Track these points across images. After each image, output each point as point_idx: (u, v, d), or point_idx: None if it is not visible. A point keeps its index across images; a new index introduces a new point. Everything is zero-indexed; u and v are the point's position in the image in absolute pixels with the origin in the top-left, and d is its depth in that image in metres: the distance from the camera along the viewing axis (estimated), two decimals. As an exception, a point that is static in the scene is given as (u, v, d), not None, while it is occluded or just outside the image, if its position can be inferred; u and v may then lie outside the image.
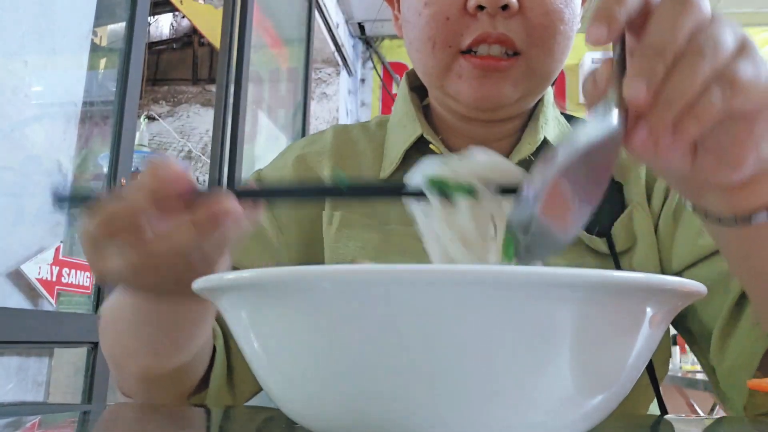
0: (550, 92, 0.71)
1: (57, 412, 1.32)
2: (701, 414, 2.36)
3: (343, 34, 3.76)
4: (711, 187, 0.42)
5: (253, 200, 0.41)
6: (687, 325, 0.62)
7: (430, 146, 0.67)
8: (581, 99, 2.90)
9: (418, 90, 0.74)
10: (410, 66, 0.71)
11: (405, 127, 0.69)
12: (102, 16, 1.58)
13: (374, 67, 4.09)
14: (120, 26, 1.70)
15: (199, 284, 0.31)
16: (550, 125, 0.69)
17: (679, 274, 0.61)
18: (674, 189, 0.46)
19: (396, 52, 4.04)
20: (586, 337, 0.26)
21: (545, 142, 0.67)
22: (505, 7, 0.58)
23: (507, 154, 0.67)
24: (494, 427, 0.27)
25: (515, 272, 0.25)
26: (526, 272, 0.25)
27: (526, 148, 0.66)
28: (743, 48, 0.35)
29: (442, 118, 0.69)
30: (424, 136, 0.67)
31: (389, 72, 4.02)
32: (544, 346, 0.26)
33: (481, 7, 0.58)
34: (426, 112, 0.72)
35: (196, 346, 0.52)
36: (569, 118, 0.74)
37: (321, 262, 0.68)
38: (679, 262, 0.62)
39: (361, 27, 4.01)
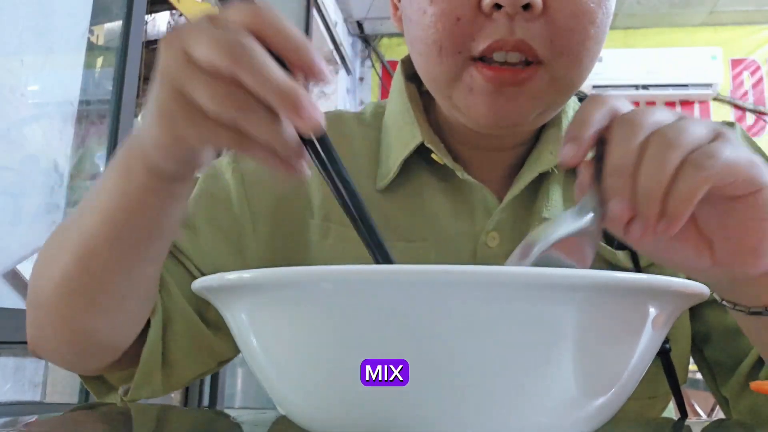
0: None
1: (53, 412, 1.32)
2: (701, 414, 2.37)
3: (341, 32, 3.76)
4: (739, 279, 0.41)
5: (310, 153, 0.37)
6: (705, 353, 0.61)
7: (432, 155, 0.59)
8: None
9: (414, 78, 0.64)
10: (411, 65, 0.64)
11: (401, 130, 0.61)
12: (99, 15, 1.58)
13: (373, 66, 4.10)
14: (117, 25, 1.69)
15: (199, 284, 0.30)
16: None
17: (704, 306, 0.59)
18: (707, 286, 0.45)
19: (395, 51, 4.04)
20: (589, 339, 0.26)
21: None
22: (526, 7, 0.49)
23: (521, 162, 0.60)
24: (495, 428, 0.26)
25: (518, 273, 0.25)
26: (528, 273, 0.25)
27: (547, 159, 0.58)
28: (718, 135, 0.37)
29: (447, 121, 0.61)
30: (426, 144, 0.58)
31: (388, 70, 4.02)
32: (547, 347, 0.26)
33: (498, 6, 0.49)
34: (425, 104, 0.63)
35: (162, 251, 0.48)
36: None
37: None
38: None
39: (360, 25, 4.01)
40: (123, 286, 0.47)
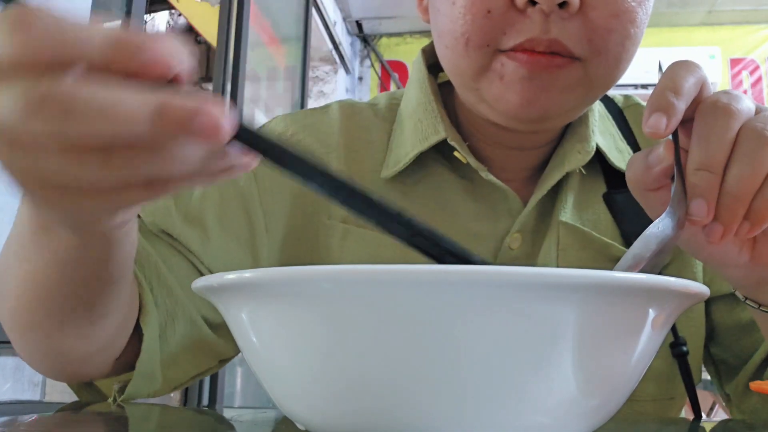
0: None
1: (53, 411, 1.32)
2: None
3: (340, 32, 3.75)
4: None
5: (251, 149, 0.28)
6: (711, 350, 0.60)
7: (455, 153, 0.56)
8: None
9: (435, 68, 0.61)
10: (409, 65, 0.63)
11: (421, 122, 0.57)
12: (98, 14, 1.58)
13: (372, 66, 4.09)
14: (116, 24, 1.69)
15: (199, 284, 0.30)
16: (598, 128, 0.59)
17: (710, 303, 0.59)
18: (730, 283, 0.44)
19: (394, 51, 4.04)
20: (589, 338, 0.26)
21: (597, 152, 0.57)
22: (563, 5, 0.46)
23: (545, 162, 0.58)
24: (495, 428, 0.26)
25: (517, 273, 0.25)
26: (527, 273, 0.25)
27: (575, 158, 0.55)
28: None
29: (470, 118, 0.58)
30: (449, 141, 0.55)
31: (387, 70, 4.02)
32: (547, 347, 0.26)
33: (532, 2, 0.46)
34: (444, 97, 0.60)
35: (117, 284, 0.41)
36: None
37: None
38: (718, 289, 0.57)
39: (359, 25, 4.00)
40: (86, 317, 0.42)
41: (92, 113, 0.23)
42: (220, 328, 0.56)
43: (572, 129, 0.58)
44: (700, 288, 0.29)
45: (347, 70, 3.94)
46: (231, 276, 0.28)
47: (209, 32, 2.44)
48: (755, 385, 0.35)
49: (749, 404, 0.56)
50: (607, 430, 0.31)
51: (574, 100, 0.51)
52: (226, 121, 0.25)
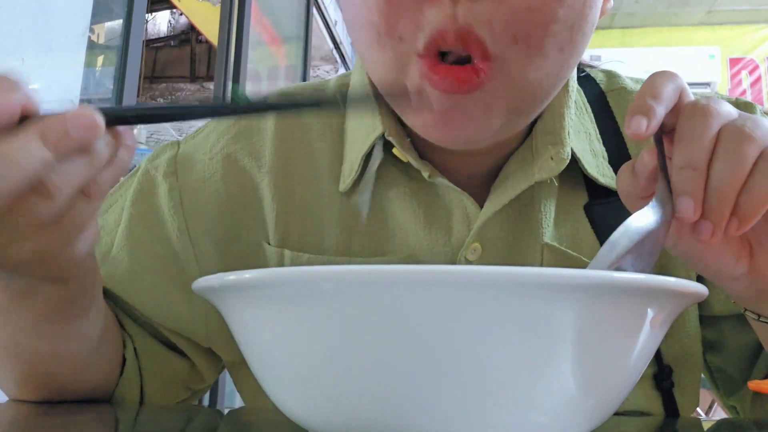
0: (574, 77, 0.51)
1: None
2: (700, 413, 2.37)
3: (341, 31, 3.75)
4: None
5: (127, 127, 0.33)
6: (707, 357, 0.57)
7: (394, 150, 0.49)
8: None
9: None
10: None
11: (362, 118, 0.50)
12: (99, 14, 1.58)
13: (372, 65, 4.08)
14: (117, 23, 1.69)
15: (199, 284, 0.30)
16: (574, 126, 0.51)
17: (721, 318, 0.54)
18: (730, 295, 0.43)
19: (394, 50, 4.03)
20: (587, 338, 0.26)
21: (572, 160, 0.49)
22: None
23: (502, 164, 0.50)
24: (495, 428, 0.27)
25: (516, 273, 0.25)
26: (526, 273, 0.25)
27: (547, 165, 0.47)
28: None
29: None
30: (386, 137, 0.48)
31: (387, 70, 4.01)
32: (545, 348, 0.26)
33: None
34: None
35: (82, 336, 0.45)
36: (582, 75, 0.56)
37: None
38: (722, 308, 0.53)
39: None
40: (60, 354, 0.45)
41: None
42: (189, 356, 0.56)
43: (543, 125, 0.49)
44: (697, 288, 0.29)
45: (348, 69, 3.93)
46: (231, 276, 0.28)
47: (210, 31, 2.44)
48: (753, 384, 0.35)
49: (761, 414, 0.54)
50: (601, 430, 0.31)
51: (500, 116, 0.43)
52: (91, 113, 0.30)
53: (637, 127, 0.35)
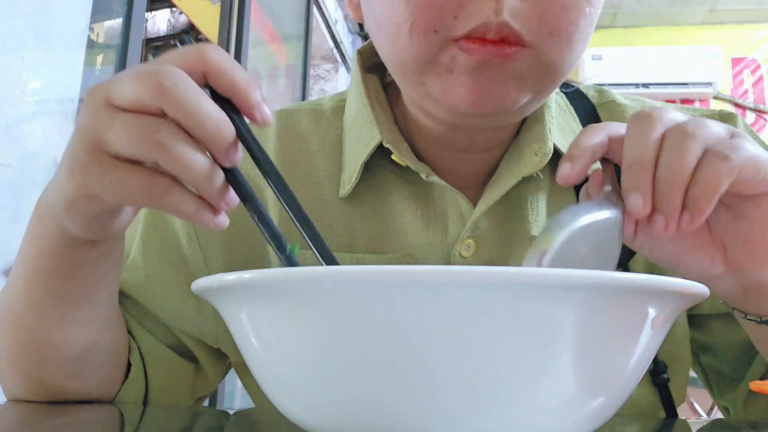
0: None
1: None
2: (700, 412, 2.37)
3: (341, 30, 3.75)
4: (752, 286, 0.41)
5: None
6: (701, 359, 0.58)
7: (392, 156, 0.52)
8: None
9: (377, 68, 0.57)
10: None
11: (360, 129, 0.54)
12: (99, 13, 1.58)
13: (372, 64, 4.09)
14: (117, 22, 1.69)
15: (199, 284, 0.30)
16: (556, 124, 0.54)
17: (710, 316, 0.56)
18: (718, 296, 0.43)
19: (394, 49, 4.03)
20: (588, 339, 0.26)
21: (555, 153, 0.52)
22: None
23: (495, 165, 0.54)
24: (495, 428, 0.26)
25: (516, 274, 0.25)
26: (527, 274, 0.25)
27: (531, 161, 0.51)
28: (735, 133, 0.37)
29: (413, 118, 0.53)
30: (384, 144, 0.52)
31: (387, 69, 4.02)
32: (546, 348, 0.26)
33: None
34: (391, 98, 0.56)
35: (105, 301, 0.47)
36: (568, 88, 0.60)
37: None
38: (710, 307, 0.54)
39: (360, 23, 4.00)
40: (74, 342, 0.46)
41: (176, 161, 0.33)
42: (196, 359, 0.57)
43: (527, 127, 0.53)
44: (699, 288, 0.29)
45: (348, 69, 3.94)
46: (231, 276, 0.28)
47: (210, 30, 2.44)
48: (755, 385, 0.35)
49: (754, 414, 0.54)
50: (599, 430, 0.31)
51: (528, 90, 0.46)
52: (232, 139, 0.34)
53: (563, 174, 0.37)
